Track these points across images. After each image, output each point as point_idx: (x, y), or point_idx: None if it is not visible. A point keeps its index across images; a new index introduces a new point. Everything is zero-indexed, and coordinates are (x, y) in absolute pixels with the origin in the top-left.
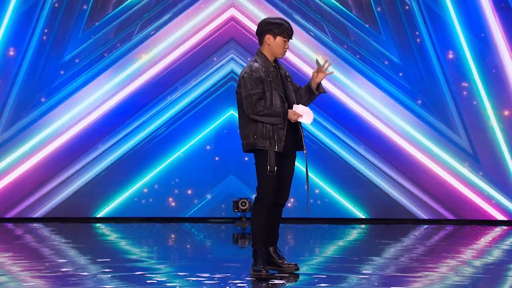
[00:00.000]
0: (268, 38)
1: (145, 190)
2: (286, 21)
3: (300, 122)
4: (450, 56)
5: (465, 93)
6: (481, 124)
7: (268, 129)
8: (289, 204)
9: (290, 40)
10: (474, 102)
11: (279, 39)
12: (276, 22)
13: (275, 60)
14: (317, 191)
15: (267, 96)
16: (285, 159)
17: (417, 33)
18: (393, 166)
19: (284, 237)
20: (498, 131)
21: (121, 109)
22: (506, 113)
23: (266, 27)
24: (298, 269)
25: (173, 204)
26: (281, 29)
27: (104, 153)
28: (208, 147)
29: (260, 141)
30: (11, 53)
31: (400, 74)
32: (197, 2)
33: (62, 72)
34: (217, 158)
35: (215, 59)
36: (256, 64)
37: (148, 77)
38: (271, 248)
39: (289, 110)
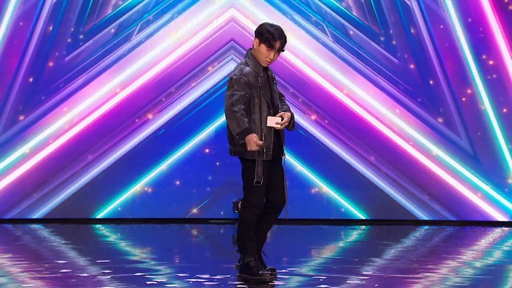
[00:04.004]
0: (256, 42)
1: (145, 191)
2: (279, 33)
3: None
4: (450, 56)
5: (465, 93)
6: (482, 125)
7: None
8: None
9: (284, 50)
10: (475, 103)
11: (262, 46)
12: (267, 29)
13: None
14: (315, 190)
15: (256, 101)
16: (272, 163)
17: (417, 33)
18: (393, 167)
19: (285, 238)
20: (498, 132)
21: (121, 109)
22: (507, 113)
23: (258, 31)
24: (274, 276)
25: (173, 205)
26: (266, 38)
27: (104, 154)
28: (208, 148)
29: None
30: (11, 53)
31: (400, 75)
32: (197, 3)
33: (62, 73)
34: (217, 160)
35: (215, 60)
36: (247, 68)
37: (149, 77)
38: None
39: (248, 139)
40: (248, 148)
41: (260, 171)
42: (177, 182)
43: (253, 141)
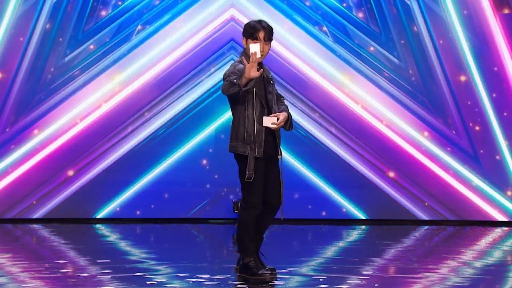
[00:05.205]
0: (243, 41)
1: (145, 191)
2: (261, 24)
3: (278, 129)
4: (450, 56)
5: (465, 93)
6: (482, 125)
7: (250, 134)
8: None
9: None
10: (475, 103)
11: (249, 42)
12: (249, 25)
13: (260, 63)
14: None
15: (249, 98)
16: (268, 163)
17: (417, 33)
18: (393, 166)
19: (285, 238)
20: (498, 132)
21: (121, 110)
22: (506, 113)
23: (243, 30)
24: (275, 275)
25: (173, 205)
26: (249, 32)
27: (104, 154)
28: (208, 148)
29: (241, 145)
30: (11, 53)
31: (400, 75)
32: (197, 3)
33: (62, 73)
34: (217, 159)
35: (214, 60)
36: (241, 65)
37: (149, 77)
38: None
39: (246, 69)
40: (248, 75)
41: (251, 167)
42: (177, 182)
43: (248, 67)
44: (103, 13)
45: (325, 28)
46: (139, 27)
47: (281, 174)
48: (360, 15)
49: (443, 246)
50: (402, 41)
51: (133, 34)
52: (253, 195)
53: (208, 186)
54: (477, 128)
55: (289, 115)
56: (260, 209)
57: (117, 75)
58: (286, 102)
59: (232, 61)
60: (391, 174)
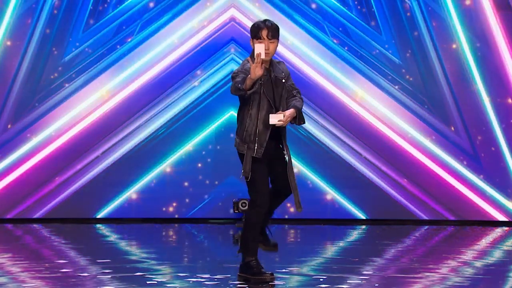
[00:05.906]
0: (251, 41)
1: (145, 191)
2: (264, 22)
3: (284, 128)
4: (451, 56)
5: (465, 93)
6: (482, 124)
7: (249, 133)
8: (289, 204)
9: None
10: (475, 102)
11: (255, 42)
12: (252, 26)
13: (270, 64)
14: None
15: (256, 97)
16: (272, 163)
17: (417, 33)
18: (393, 166)
19: (285, 238)
20: (498, 131)
21: (121, 109)
22: (507, 113)
23: (250, 31)
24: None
25: (173, 204)
26: (254, 32)
27: (104, 153)
28: (208, 148)
29: (241, 144)
30: (11, 53)
31: (401, 75)
32: (197, 3)
33: (62, 73)
34: (217, 159)
35: (215, 59)
36: (248, 65)
37: (148, 77)
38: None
39: (251, 70)
40: (253, 75)
41: (248, 167)
42: (177, 182)
43: (253, 67)
44: (103, 13)
45: (325, 28)
46: (139, 27)
47: (288, 167)
48: (360, 15)
49: (443, 246)
50: (402, 41)
51: (133, 34)
52: (257, 195)
53: (208, 186)
54: (477, 127)
55: (297, 110)
56: (267, 208)
57: (117, 75)
58: (298, 96)
59: (233, 61)
60: (391, 173)
